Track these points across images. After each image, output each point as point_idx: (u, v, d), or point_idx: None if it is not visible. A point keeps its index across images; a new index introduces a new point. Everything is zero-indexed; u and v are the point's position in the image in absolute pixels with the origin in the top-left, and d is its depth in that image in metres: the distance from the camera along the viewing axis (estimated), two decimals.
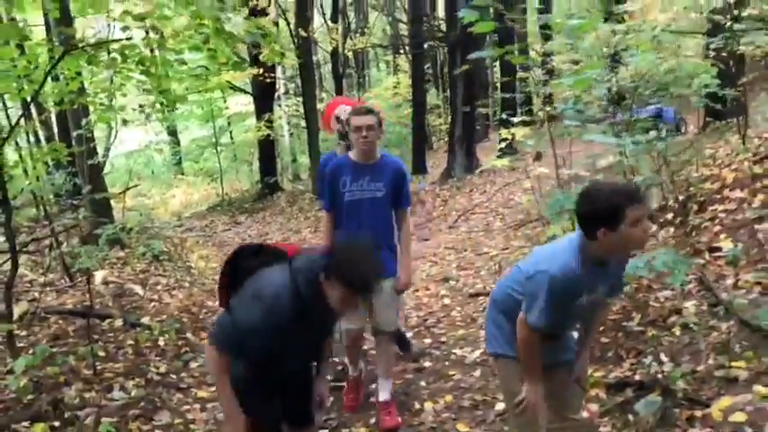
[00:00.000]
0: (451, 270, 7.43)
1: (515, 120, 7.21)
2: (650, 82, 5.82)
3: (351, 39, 20.27)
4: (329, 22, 18.43)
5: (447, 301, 6.24)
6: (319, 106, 21.62)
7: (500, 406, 3.74)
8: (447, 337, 5.22)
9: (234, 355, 2.43)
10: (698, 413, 3.03)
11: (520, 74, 15.83)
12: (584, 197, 2.26)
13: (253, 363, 2.52)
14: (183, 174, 24.04)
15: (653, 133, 6.79)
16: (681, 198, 5.65)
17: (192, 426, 3.84)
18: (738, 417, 2.86)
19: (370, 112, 3.62)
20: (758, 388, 3.01)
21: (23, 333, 5.08)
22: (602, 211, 2.18)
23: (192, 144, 24.02)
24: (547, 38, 17.32)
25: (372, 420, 3.84)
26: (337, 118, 4.27)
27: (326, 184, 3.73)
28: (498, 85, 19.37)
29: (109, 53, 5.36)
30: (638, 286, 4.52)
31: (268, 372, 2.56)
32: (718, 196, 5.32)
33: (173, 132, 23.63)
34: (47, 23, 8.81)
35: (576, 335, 2.76)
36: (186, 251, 9.91)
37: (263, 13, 14.82)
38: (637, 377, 3.55)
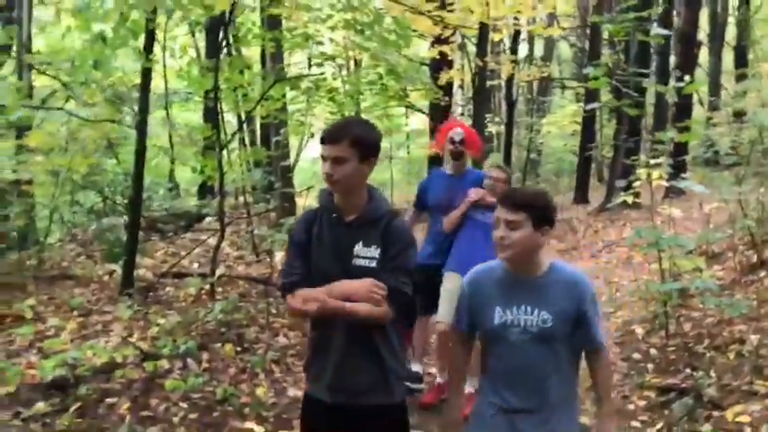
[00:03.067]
0: None
1: (655, 161, 7.74)
2: None
3: (527, 68, 21.00)
4: (507, 51, 19.42)
5: None
6: (492, 129, 22.69)
7: None
8: None
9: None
10: (715, 414, 3.73)
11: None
12: None
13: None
14: None
15: None
16: None
17: None
18: (743, 419, 3.55)
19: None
20: None
21: (220, 289, 6.72)
22: None
23: None
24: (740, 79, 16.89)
25: None
26: (451, 139, 4.62)
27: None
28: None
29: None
30: (719, 319, 5.12)
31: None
32: None
33: None
34: (263, 58, 10.78)
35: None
36: None
37: (447, 40, 16.17)
38: (683, 385, 4.25)
